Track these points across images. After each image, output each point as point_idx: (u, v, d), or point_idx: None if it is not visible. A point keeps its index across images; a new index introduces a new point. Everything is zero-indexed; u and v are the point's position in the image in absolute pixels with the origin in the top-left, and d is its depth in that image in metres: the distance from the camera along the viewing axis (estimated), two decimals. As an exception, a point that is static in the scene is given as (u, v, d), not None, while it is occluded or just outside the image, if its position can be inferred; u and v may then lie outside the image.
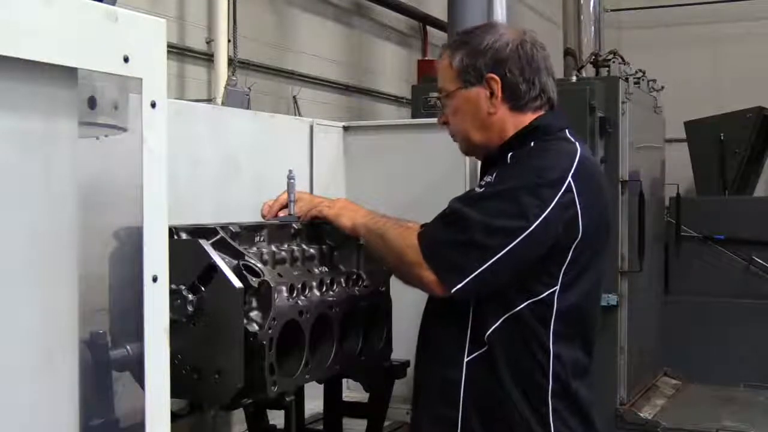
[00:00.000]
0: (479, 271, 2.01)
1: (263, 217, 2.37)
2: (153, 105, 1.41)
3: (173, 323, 1.52)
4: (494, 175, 2.12)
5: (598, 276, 2.21)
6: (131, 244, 1.51)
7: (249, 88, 6.04)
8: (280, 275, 2.07)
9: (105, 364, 1.61)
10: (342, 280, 2.28)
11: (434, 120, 3.49)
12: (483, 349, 2.11)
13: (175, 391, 1.51)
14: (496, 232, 2.01)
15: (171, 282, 1.48)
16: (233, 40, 6.29)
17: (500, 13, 7.20)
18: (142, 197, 1.39)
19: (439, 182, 2.97)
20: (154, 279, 1.41)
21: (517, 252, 2.01)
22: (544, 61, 2.24)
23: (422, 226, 2.18)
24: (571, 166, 2.08)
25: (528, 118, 2.20)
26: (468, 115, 2.23)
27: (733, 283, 6.91)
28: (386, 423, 2.55)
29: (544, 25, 10.81)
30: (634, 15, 11.04)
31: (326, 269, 2.27)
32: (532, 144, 2.16)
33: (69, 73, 1.32)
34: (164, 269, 1.43)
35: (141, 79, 1.39)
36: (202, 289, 1.89)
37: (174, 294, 1.82)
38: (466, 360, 2.12)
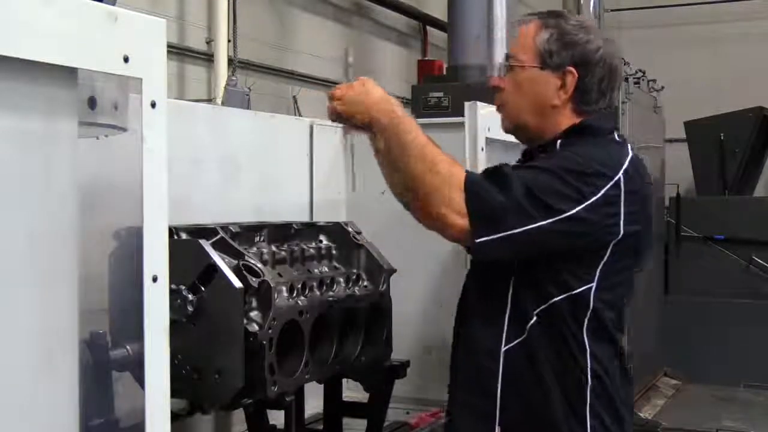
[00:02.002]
0: (510, 233, 1.96)
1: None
2: (153, 105, 1.41)
3: (173, 323, 1.52)
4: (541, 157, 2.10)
5: (631, 282, 2.20)
6: (131, 244, 1.51)
7: (249, 88, 6.04)
8: (280, 275, 2.07)
9: (105, 364, 1.61)
10: (342, 280, 2.28)
11: (434, 120, 3.49)
12: (520, 339, 2.08)
13: (175, 391, 1.51)
14: (538, 204, 1.96)
15: (171, 282, 1.48)
16: (233, 40, 6.30)
17: (500, 13, 7.18)
18: (142, 197, 1.40)
19: (439, 182, 2.97)
20: (154, 279, 1.41)
21: (555, 229, 1.97)
22: (620, 77, 2.23)
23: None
24: (623, 164, 2.06)
25: (581, 118, 2.17)
26: (530, 95, 2.17)
27: (733, 283, 6.90)
28: (386, 423, 2.54)
29: (544, 25, 10.79)
30: (634, 15, 11.04)
31: (326, 269, 2.27)
32: (583, 141, 2.13)
33: (69, 73, 1.32)
34: (164, 269, 1.44)
35: (141, 79, 1.39)
36: (202, 289, 1.89)
37: (174, 294, 1.82)
38: (503, 349, 2.09)
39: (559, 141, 2.12)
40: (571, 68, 2.13)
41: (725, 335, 6.75)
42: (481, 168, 2.81)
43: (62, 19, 1.25)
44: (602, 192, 2.00)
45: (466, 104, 2.85)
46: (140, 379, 1.43)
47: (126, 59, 1.36)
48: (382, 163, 2.12)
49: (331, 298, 2.19)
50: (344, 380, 2.47)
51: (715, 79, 10.70)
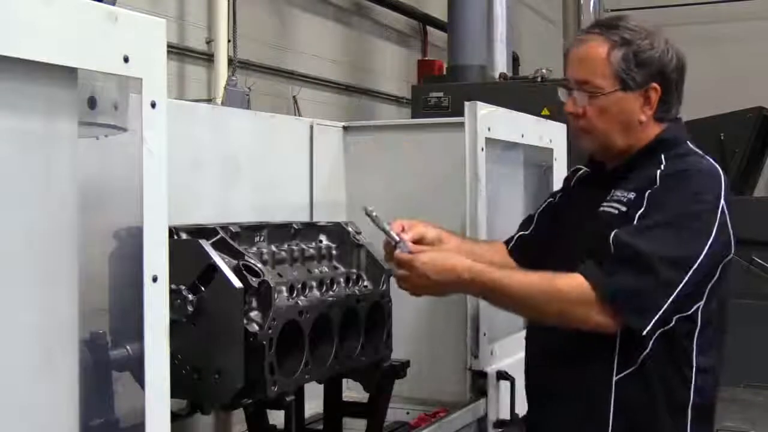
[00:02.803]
0: (665, 307, 2.00)
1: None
2: (153, 105, 1.41)
3: (173, 323, 1.52)
4: (646, 195, 2.07)
5: (730, 283, 2.21)
6: (131, 244, 1.51)
7: (249, 88, 6.04)
8: (280, 275, 2.07)
9: (105, 364, 1.61)
10: (342, 280, 2.28)
11: (434, 120, 3.49)
12: (633, 368, 2.10)
13: (175, 391, 1.51)
14: (675, 265, 2.00)
15: (171, 282, 1.48)
16: (233, 40, 6.30)
17: (500, 13, 7.19)
18: (142, 197, 1.39)
19: (439, 182, 2.97)
20: (154, 279, 1.41)
21: (690, 281, 2.01)
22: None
23: (578, 268, 2.06)
24: (721, 188, 2.08)
25: (660, 127, 2.19)
26: (617, 118, 2.15)
27: (733, 284, 6.89)
28: (386, 423, 2.54)
29: (544, 25, 10.81)
30: (634, 15, 11.03)
31: (326, 269, 2.27)
32: (663, 157, 2.13)
33: (69, 73, 1.32)
34: (164, 269, 1.44)
35: (141, 79, 1.39)
36: (202, 289, 1.89)
37: (174, 294, 1.82)
38: (615, 379, 2.11)
39: (657, 173, 2.09)
40: (654, 85, 2.13)
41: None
42: (480, 168, 2.82)
43: (62, 19, 1.25)
44: (716, 226, 2.03)
45: (466, 104, 2.84)
46: (140, 379, 1.43)
47: (126, 59, 1.36)
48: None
49: (331, 298, 2.19)
50: (344, 380, 2.47)
51: (715, 79, 10.69)
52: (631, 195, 2.09)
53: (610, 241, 2.03)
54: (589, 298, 2.00)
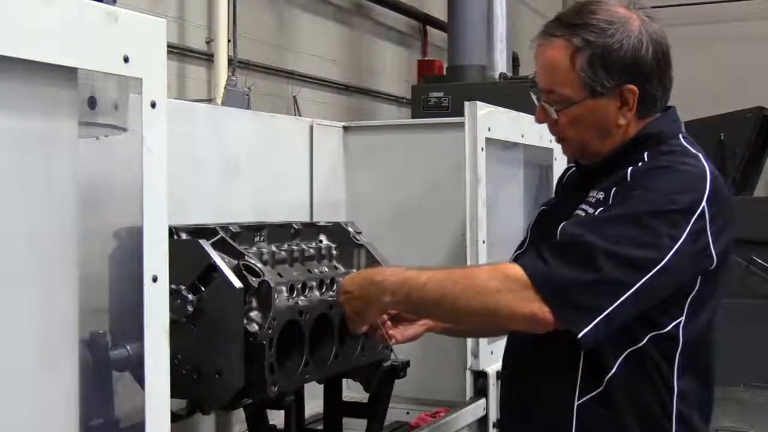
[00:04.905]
0: (609, 310, 1.73)
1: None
2: (153, 105, 1.41)
3: (173, 323, 1.52)
4: (612, 193, 1.86)
5: (719, 300, 1.97)
6: (131, 244, 1.51)
7: (249, 88, 6.05)
8: (280, 275, 2.07)
9: (105, 364, 1.61)
10: (342, 279, 2.28)
11: (434, 120, 3.49)
12: (597, 391, 1.88)
13: (175, 391, 1.51)
14: (625, 264, 1.74)
15: (171, 282, 1.48)
16: (233, 40, 6.31)
17: (500, 13, 7.20)
18: (142, 197, 1.40)
19: (439, 182, 2.97)
20: (154, 279, 1.41)
21: (650, 288, 1.75)
22: (669, 49, 1.98)
23: (517, 259, 1.90)
24: (705, 189, 1.82)
25: (645, 122, 1.96)
26: (592, 126, 1.94)
27: (733, 283, 6.89)
28: (386, 423, 2.54)
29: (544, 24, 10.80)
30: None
31: (326, 269, 2.27)
32: (645, 155, 1.91)
33: (69, 73, 1.32)
34: (164, 269, 1.44)
35: (141, 79, 1.39)
36: (202, 289, 1.89)
37: (174, 294, 1.82)
38: (576, 404, 1.89)
39: (630, 169, 1.87)
40: (629, 86, 1.90)
41: (725, 335, 6.72)
42: (480, 168, 2.82)
43: (62, 19, 1.25)
44: (687, 230, 1.78)
45: (466, 104, 2.84)
46: (140, 379, 1.43)
47: (126, 59, 1.36)
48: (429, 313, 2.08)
49: (331, 298, 2.19)
50: (344, 380, 2.48)
51: (714, 79, 10.70)
52: (600, 195, 1.88)
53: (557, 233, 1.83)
54: (518, 285, 1.76)
